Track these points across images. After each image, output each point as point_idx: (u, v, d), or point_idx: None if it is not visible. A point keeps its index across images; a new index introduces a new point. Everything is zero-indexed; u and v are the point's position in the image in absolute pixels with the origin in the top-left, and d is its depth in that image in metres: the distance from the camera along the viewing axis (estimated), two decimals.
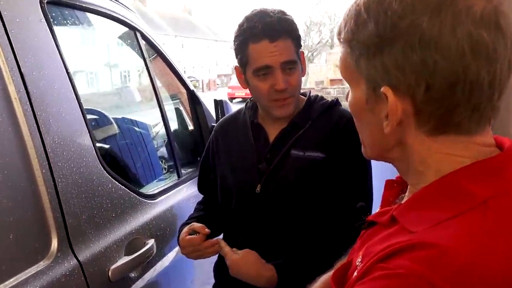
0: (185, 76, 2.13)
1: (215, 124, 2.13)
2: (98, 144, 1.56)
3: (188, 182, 1.87)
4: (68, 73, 1.16)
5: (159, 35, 42.34)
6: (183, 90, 2.20)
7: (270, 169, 1.25)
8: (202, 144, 2.20)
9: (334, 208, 1.21)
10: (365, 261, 0.56)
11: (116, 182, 1.29)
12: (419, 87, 0.52)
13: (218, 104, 2.07)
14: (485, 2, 0.51)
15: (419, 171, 0.58)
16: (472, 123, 0.54)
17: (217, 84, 36.84)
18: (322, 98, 1.33)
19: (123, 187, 1.32)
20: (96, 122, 1.83)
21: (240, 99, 20.96)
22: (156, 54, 1.94)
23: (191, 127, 2.29)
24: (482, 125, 0.55)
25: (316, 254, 1.19)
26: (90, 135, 1.21)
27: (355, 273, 0.56)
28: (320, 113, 1.27)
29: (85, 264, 1.08)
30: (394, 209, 0.59)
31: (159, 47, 1.89)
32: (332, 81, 17.64)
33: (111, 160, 1.60)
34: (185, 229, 1.28)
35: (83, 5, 1.36)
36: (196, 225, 1.27)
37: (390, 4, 0.53)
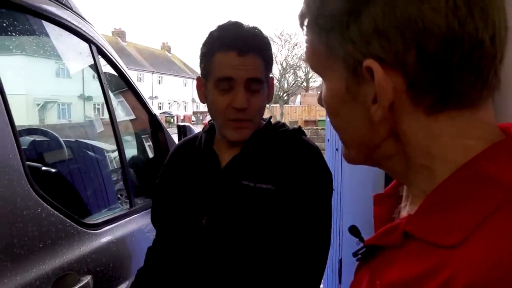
0: (146, 99, 1.98)
1: None
2: (37, 169, 1.38)
3: (142, 212, 1.69)
4: None
5: (137, 70, 42.58)
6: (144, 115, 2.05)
7: (217, 200, 1.11)
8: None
9: (278, 248, 1.06)
10: None
11: (48, 207, 1.10)
12: (409, 53, 0.42)
13: (181, 129, 1.92)
14: None
15: (422, 166, 0.46)
16: (475, 92, 0.43)
17: (193, 121, 36.77)
18: (283, 125, 1.21)
19: (57, 212, 1.13)
20: (40, 143, 1.65)
21: None
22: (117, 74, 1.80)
23: (151, 153, 2.12)
24: (485, 97, 0.45)
25: None
26: (18, 150, 1.04)
27: None
28: (277, 142, 1.14)
29: None
30: (403, 223, 0.46)
31: (118, 64, 1.75)
32: (306, 122, 17.90)
33: (51, 184, 1.41)
34: None
35: (30, 8, 1.22)
36: None
37: None
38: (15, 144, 1.03)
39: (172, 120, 32.44)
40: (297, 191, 1.06)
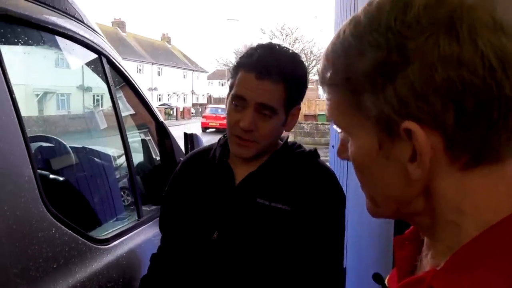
0: (154, 107, 1.98)
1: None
2: (45, 178, 1.38)
3: (150, 223, 1.70)
4: (11, 95, 1.00)
5: (136, 61, 42.36)
6: (152, 121, 2.05)
7: (230, 215, 1.12)
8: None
9: (294, 267, 1.08)
10: None
11: (62, 226, 1.11)
12: (448, 114, 0.42)
13: (188, 138, 1.93)
14: (490, 9, 0.43)
15: (451, 222, 0.47)
16: (510, 148, 0.44)
17: (192, 113, 36.60)
18: (300, 146, 1.22)
19: (70, 231, 1.14)
20: (48, 151, 1.65)
21: (214, 129, 20.83)
22: (123, 83, 1.80)
23: (157, 161, 2.13)
24: None
25: None
26: (33, 169, 1.04)
27: None
28: (294, 163, 1.15)
29: None
30: (429, 277, 0.46)
31: (127, 74, 1.75)
32: (306, 117, 17.81)
33: (59, 198, 1.41)
34: None
35: (40, 23, 1.22)
36: None
37: (388, 27, 0.44)
38: (30, 166, 1.04)
39: (171, 112, 32.29)
40: (312, 213, 1.08)
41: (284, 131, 1.16)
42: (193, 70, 55.55)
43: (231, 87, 1.13)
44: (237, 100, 1.09)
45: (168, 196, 1.33)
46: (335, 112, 0.52)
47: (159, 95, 46.44)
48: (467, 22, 0.42)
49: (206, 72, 58.70)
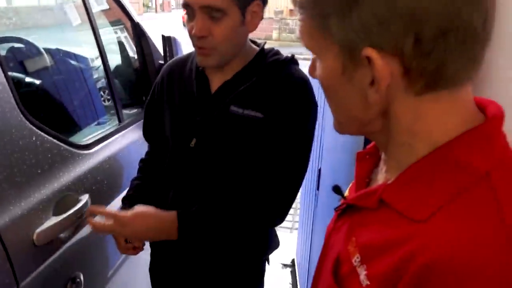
0: (129, 8, 1.88)
1: (162, 62, 1.96)
2: (20, 84, 1.36)
3: (131, 127, 1.73)
4: None
5: None
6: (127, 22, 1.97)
7: (206, 123, 1.16)
8: (148, 83, 2.02)
9: (260, 170, 1.13)
10: (368, 263, 0.50)
11: (42, 133, 1.13)
12: (407, 41, 0.44)
13: (166, 41, 1.87)
14: None
15: (405, 143, 0.51)
16: (465, 74, 0.48)
17: (172, 6, 34.69)
18: (276, 53, 1.20)
19: (51, 138, 1.16)
20: (19, 53, 1.59)
21: None
22: None
23: (135, 59, 2.08)
24: (472, 77, 0.49)
25: (223, 212, 1.13)
26: (5, 77, 1.03)
27: (362, 277, 0.50)
28: (268, 70, 1.15)
29: (3, 230, 0.95)
30: (380, 189, 0.52)
31: None
32: (292, 12, 17.11)
33: (37, 104, 1.41)
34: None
35: None
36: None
37: None
38: (3, 75, 1.02)
39: (150, 4, 30.55)
40: (282, 119, 1.11)
41: (249, 31, 1.12)
42: None
43: None
44: (186, 9, 1.07)
45: (150, 106, 1.35)
46: (305, 34, 0.53)
47: None
48: None
49: None
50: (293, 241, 3.36)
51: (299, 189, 1.20)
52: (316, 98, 1.17)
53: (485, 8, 0.45)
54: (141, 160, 1.44)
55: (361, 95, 0.50)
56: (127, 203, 1.28)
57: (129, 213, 1.09)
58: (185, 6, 1.06)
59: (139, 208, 1.11)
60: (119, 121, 1.69)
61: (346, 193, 0.71)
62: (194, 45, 1.12)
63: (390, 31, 0.44)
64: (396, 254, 0.45)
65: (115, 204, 1.42)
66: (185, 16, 1.10)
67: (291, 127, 1.12)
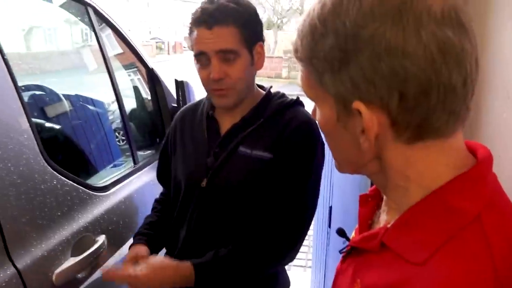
0: (143, 53, 1.99)
1: (175, 105, 2.05)
2: (41, 131, 1.43)
3: (146, 168, 1.79)
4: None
5: None
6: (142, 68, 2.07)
7: (216, 164, 1.21)
8: (162, 126, 2.10)
9: (270, 209, 1.17)
10: None
11: (62, 177, 1.19)
12: (392, 98, 0.49)
13: (179, 85, 1.96)
14: (442, 1, 0.48)
15: (400, 186, 0.55)
16: (449, 127, 0.51)
17: (184, 47, 35.74)
18: (282, 95, 1.27)
19: (70, 181, 1.22)
20: (40, 100, 1.68)
21: None
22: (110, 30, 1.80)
23: (148, 100, 2.17)
24: (457, 127, 0.53)
25: (237, 259, 1.16)
26: (30, 125, 1.10)
27: None
28: (275, 112, 1.21)
29: (24, 271, 1.00)
30: (381, 233, 0.55)
31: (114, 23, 1.74)
32: None
33: (57, 149, 1.48)
34: (130, 254, 1.23)
35: None
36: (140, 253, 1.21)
37: (347, 13, 0.49)
38: (27, 121, 1.09)
39: (162, 46, 31.54)
40: (289, 159, 1.16)
41: (257, 69, 1.21)
42: (184, 1, 53.30)
43: (192, 49, 1.17)
44: (200, 58, 1.15)
45: (164, 151, 1.42)
46: (304, 84, 0.59)
47: (149, 28, 44.88)
48: (414, 14, 0.46)
49: (196, 2, 56.31)
50: (307, 280, 3.32)
51: (309, 226, 1.22)
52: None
53: (465, 67, 0.48)
54: (156, 200, 1.48)
55: (355, 141, 0.54)
56: (139, 238, 1.32)
57: (146, 269, 1.10)
58: (200, 55, 1.14)
59: (156, 261, 1.14)
60: (134, 163, 1.75)
61: (353, 234, 0.74)
62: (207, 90, 1.20)
63: (376, 88, 0.49)
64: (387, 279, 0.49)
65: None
66: (197, 66, 1.17)
67: (298, 165, 1.17)
